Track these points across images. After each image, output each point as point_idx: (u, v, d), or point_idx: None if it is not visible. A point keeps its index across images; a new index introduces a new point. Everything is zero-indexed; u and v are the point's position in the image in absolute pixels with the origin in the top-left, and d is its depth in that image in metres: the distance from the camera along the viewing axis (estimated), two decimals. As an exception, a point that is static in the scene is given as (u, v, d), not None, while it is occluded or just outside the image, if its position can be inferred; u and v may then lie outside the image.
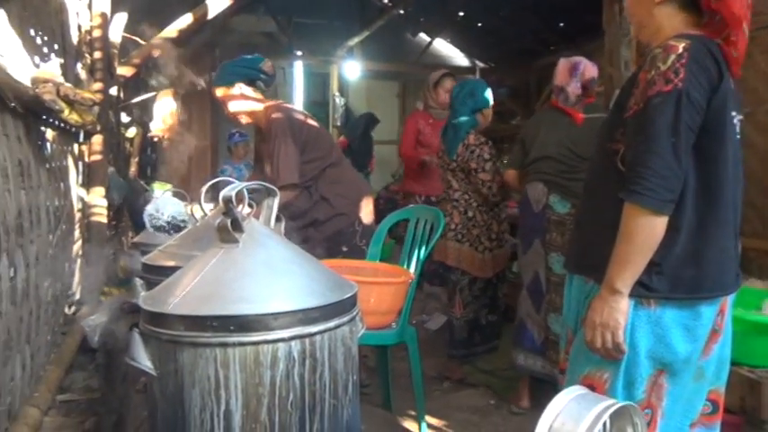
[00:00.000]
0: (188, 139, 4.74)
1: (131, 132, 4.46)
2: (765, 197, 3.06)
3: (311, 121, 2.80)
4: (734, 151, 1.37)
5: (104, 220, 3.12)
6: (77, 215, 2.98)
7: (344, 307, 1.24)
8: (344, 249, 2.74)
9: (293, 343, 1.14)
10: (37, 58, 2.27)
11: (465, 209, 3.03)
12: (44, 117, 2.19)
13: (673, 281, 1.34)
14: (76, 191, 2.96)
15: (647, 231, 1.30)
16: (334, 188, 2.75)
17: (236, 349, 1.11)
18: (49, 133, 2.36)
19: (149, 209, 2.57)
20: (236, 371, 1.11)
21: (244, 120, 2.80)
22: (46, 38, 2.44)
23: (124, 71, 3.69)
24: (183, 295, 1.16)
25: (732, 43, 1.33)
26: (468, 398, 2.94)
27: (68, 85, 2.20)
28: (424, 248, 2.57)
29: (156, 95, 4.69)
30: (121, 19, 3.68)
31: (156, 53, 3.75)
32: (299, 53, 7.42)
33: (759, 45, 2.97)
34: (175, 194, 2.79)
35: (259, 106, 2.75)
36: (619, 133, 1.40)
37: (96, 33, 3.19)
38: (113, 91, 3.59)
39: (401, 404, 2.72)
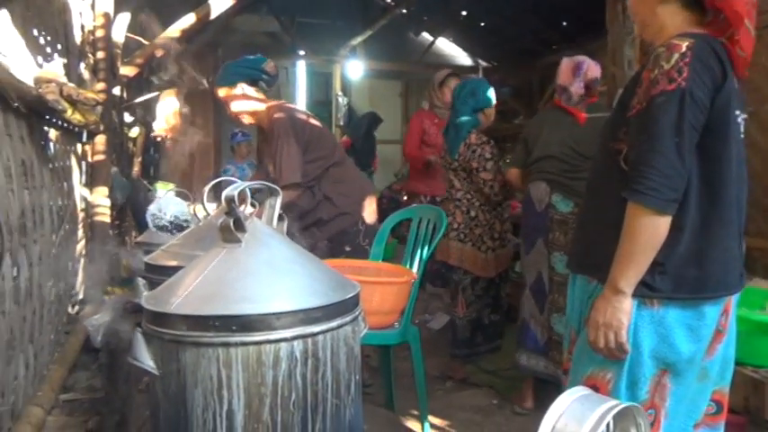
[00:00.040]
0: (191, 132, 4.74)
1: (134, 132, 4.47)
2: (769, 196, 3.05)
3: (313, 121, 2.81)
4: (738, 150, 1.36)
5: (107, 219, 3.12)
6: (81, 215, 2.98)
7: (347, 307, 1.24)
8: (348, 249, 2.74)
9: (296, 343, 1.14)
10: (40, 58, 2.28)
11: (467, 208, 3.02)
12: (47, 117, 2.20)
13: (676, 281, 1.33)
14: (80, 190, 2.97)
15: (650, 231, 1.29)
16: (337, 188, 2.75)
17: (239, 349, 1.11)
18: (53, 133, 2.36)
19: (152, 208, 2.57)
20: (239, 371, 1.11)
21: (246, 120, 2.80)
22: (49, 38, 2.45)
23: (127, 71, 3.69)
24: (185, 295, 1.16)
25: (736, 42, 1.32)
26: (471, 398, 2.93)
27: (71, 85, 2.21)
28: (426, 248, 2.57)
29: (159, 95, 4.69)
30: (124, 19, 3.69)
31: (159, 53, 3.75)
32: (302, 53, 7.42)
33: (764, 44, 2.95)
34: (178, 194, 2.79)
35: (261, 106, 2.75)
36: (622, 132, 1.39)
37: (99, 33, 3.19)
38: (116, 91, 3.60)
39: (404, 404, 2.72)
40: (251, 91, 2.71)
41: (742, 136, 1.39)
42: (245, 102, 2.73)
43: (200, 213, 2.11)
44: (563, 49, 5.87)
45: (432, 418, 2.58)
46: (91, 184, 3.13)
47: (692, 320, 1.35)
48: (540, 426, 0.81)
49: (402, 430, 2.61)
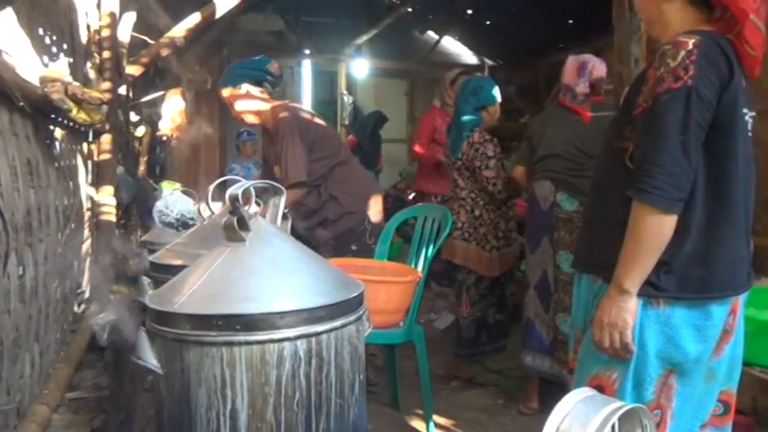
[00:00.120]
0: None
1: (140, 131, 4.47)
2: (777, 195, 3.02)
3: (318, 120, 2.81)
4: (745, 149, 1.35)
5: (113, 218, 3.12)
6: (86, 214, 2.99)
7: (351, 306, 1.24)
8: (354, 248, 2.74)
9: (299, 342, 1.14)
10: (46, 58, 2.28)
11: (472, 207, 3.01)
12: (53, 116, 2.20)
13: (682, 280, 1.32)
14: (85, 189, 2.97)
15: (655, 230, 1.28)
16: (342, 187, 2.75)
17: (242, 348, 1.11)
18: (58, 132, 2.37)
19: (159, 205, 2.58)
20: (242, 370, 1.11)
21: (250, 120, 2.81)
22: (55, 37, 2.45)
23: (133, 70, 3.70)
24: (189, 294, 1.16)
25: (744, 39, 1.31)
26: (476, 397, 2.93)
27: (76, 84, 2.21)
28: (431, 247, 2.56)
29: (164, 94, 4.70)
30: (130, 18, 3.69)
31: (164, 52, 3.76)
32: (308, 52, 7.42)
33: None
34: (184, 193, 2.80)
35: (266, 106, 2.76)
36: (627, 131, 1.38)
37: (105, 33, 3.20)
38: (122, 90, 3.60)
39: (409, 403, 2.72)
40: (255, 91, 2.71)
41: (750, 134, 1.38)
42: (249, 101, 2.73)
43: (205, 212, 2.11)
44: (569, 48, 5.84)
45: (437, 418, 2.58)
46: (97, 183, 3.14)
47: (699, 320, 1.34)
48: (544, 427, 0.81)
49: (407, 429, 2.60)
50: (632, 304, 1.32)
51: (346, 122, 7.25)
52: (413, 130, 7.96)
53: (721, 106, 1.29)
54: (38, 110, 1.96)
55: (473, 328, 3.05)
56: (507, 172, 3.01)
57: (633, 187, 1.29)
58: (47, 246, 2.08)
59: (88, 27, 3.11)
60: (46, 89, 1.95)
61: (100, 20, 3.20)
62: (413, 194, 5.42)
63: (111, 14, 3.22)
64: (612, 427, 0.79)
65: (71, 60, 2.68)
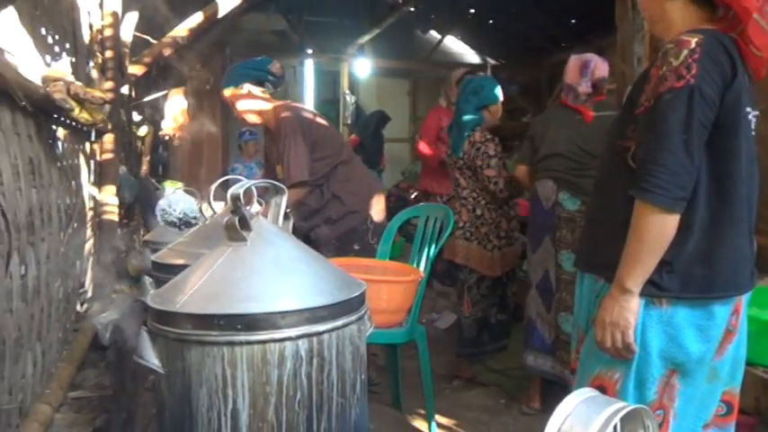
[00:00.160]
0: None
1: (143, 131, 4.48)
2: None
3: (320, 120, 2.81)
4: (748, 148, 1.34)
5: (116, 218, 3.13)
6: (89, 213, 2.99)
7: (352, 306, 1.24)
8: (356, 248, 2.74)
9: (301, 342, 1.14)
10: (48, 57, 2.29)
11: (473, 207, 3.01)
12: (55, 116, 2.20)
13: (684, 280, 1.32)
14: (88, 189, 2.98)
15: (657, 229, 1.28)
16: (345, 186, 2.76)
17: (244, 348, 1.11)
18: (61, 132, 2.37)
19: (162, 203, 2.58)
20: (244, 370, 1.11)
21: (253, 119, 2.81)
22: (57, 37, 2.46)
23: (135, 70, 3.70)
24: (190, 293, 1.16)
25: (748, 38, 1.30)
26: (478, 397, 2.92)
27: (79, 83, 2.21)
28: (434, 247, 2.56)
29: (167, 94, 4.71)
30: (133, 18, 3.70)
31: (167, 52, 3.76)
32: (310, 51, 7.42)
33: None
34: (186, 192, 2.80)
35: (268, 106, 2.76)
36: (630, 130, 1.38)
37: (108, 32, 3.20)
38: (125, 90, 3.61)
39: (411, 403, 2.71)
40: (257, 91, 2.72)
41: (753, 133, 1.37)
42: (251, 101, 2.74)
43: (207, 212, 2.11)
44: (572, 47, 5.83)
45: (438, 418, 2.58)
46: (99, 182, 3.14)
47: (702, 320, 1.33)
48: (546, 427, 0.80)
49: (409, 429, 2.60)
50: (634, 304, 1.31)
51: (348, 122, 7.25)
52: (415, 129, 7.96)
53: (724, 105, 1.28)
54: (40, 109, 1.96)
55: (475, 327, 3.05)
56: (509, 171, 3.00)
57: (635, 186, 1.29)
58: (49, 245, 2.08)
59: (91, 26, 3.11)
60: (48, 89, 1.95)
61: (102, 19, 3.21)
62: (415, 194, 5.42)
63: (114, 14, 3.23)
64: (615, 427, 0.79)
65: (73, 60, 2.69)
